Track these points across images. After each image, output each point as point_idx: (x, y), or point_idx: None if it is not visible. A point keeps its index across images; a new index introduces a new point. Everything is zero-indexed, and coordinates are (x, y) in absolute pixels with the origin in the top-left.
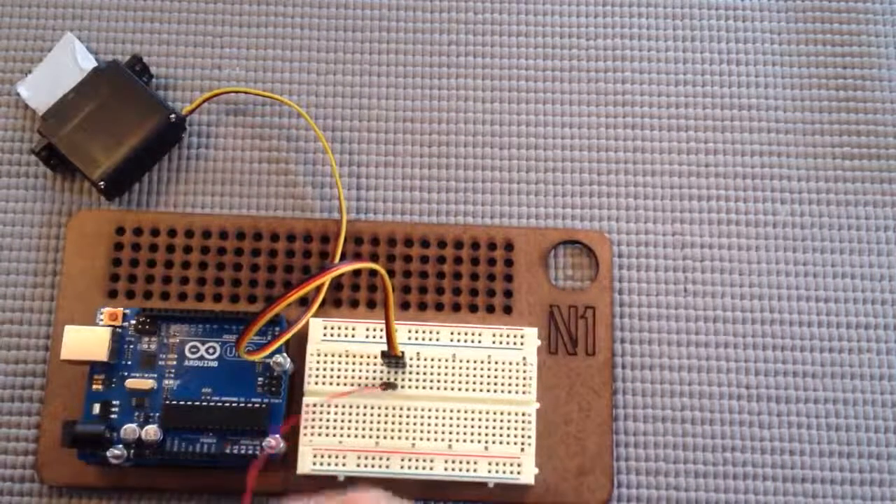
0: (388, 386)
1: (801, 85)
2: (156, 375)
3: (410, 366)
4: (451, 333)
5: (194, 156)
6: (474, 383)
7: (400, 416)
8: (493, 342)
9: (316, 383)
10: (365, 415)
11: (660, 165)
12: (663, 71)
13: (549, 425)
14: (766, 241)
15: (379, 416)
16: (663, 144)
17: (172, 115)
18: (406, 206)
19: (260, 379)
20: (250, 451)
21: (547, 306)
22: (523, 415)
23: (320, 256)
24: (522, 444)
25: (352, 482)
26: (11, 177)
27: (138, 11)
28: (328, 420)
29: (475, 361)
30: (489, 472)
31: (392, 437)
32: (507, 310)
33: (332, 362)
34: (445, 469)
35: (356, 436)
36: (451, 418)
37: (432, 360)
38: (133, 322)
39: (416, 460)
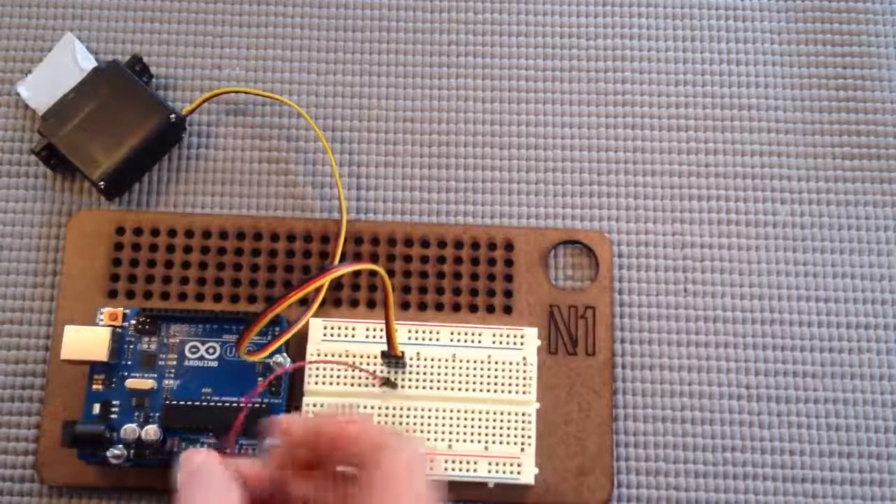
0: (388, 383)
1: (801, 85)
2: (156, 375)
3: (410, 366)
4: (451, 333)
5: (194, 156)
6: (474, 383)
7: (400, 416)
8: (493, 342)
9: (316, 383)
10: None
11: (660, 165)
12: (663, 71)
13: (549, 425)
14: (766, 241)
15: (379, 416)
16: (663, 144)
17: (172, 115)
18: (406, 206)
19: (260, 379)
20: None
21: (547, 306)
22: (523, 415)
23: (320, 256)
24: (522, 444)
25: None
26: (11, 177)
27: (138, 11)
28: None
29: (475, 361)
30: (489, 472)
31: None
32: (507, 310)
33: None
34: (445, 469)
35: None
36: (451, 418)
37: (432, 360)
38: (133, 322)
39: None
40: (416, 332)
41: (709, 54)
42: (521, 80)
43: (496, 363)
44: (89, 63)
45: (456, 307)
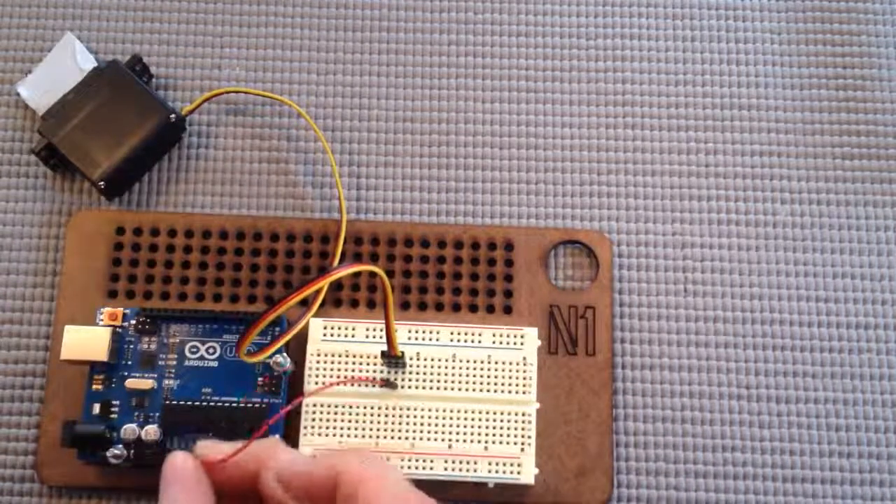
0: (388, 383)
1: (801, 85)
2: (156, 375)
3: (410, 366)
4: (451, 333)
5: (194, 156)
6: (474, 383)
7: (400, 416)
8: (493, 342)
9: (316, 383)
10: (365, 415)
11: (660, 165)
12: (663, 71)
13: (549, 425)
14: (766, 241)
15: (379, 416)
16: (663, 144)
17: (172, 115)
18: (406, 206)
19: (260, 379)
20: None
21: (547, 306)
22: (523, 415)
23: (320, 256)
24: (522, 444)
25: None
26: (11, 177)
27: (138, 11)
28: (328, 420)
29: (475, 361)
30: (489, 472)
31: (392, 437)
32: (507, 310)
33: (332, 362)
34: (445, 469)
35: (356, 436)
36: (451, 418)
37: (432, 360)
38: (133, 322)
39: (416, 460)
40: (416, 332)
41: (709, 54)
42: (521, 80)
43: (496, 363)
44: (89, 63)
45: (456, 307)
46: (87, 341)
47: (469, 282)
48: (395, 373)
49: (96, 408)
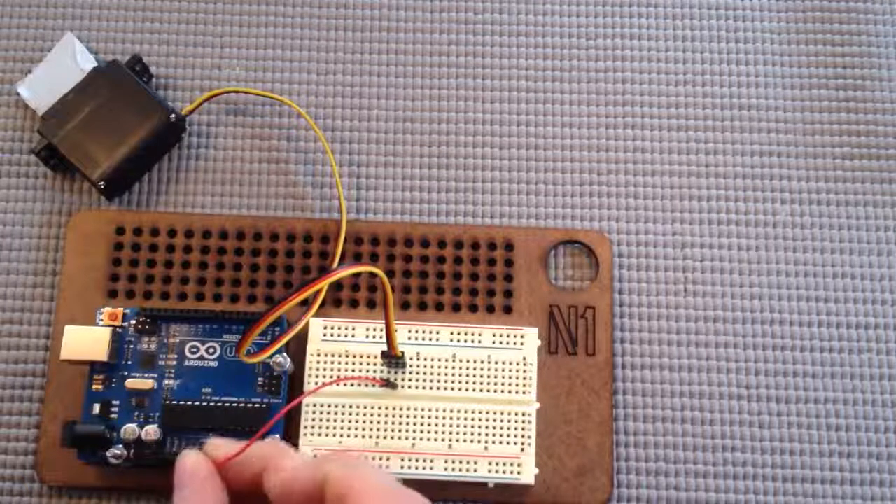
0: (388, 383)
1: (801, 85)
2: (156, 375)
3: (410, 366)
4: (451, 333)
5: (194, 156)
6: (474, 383)
7: (400, 416)
8: (493, 342)
9: (316, 383)
10: (365, 415)
11: (660, 165)
12: (663, 71)
13: (549, 425)
14: (766, 241)
15: (379, 416)
16: (663, 144)
17: (172, 115)
18: (406, 206)
19: (260, 379)
20: None
21: (547, 306)
22: (523, 415)
23: (320, 256)
24: (522, 444)
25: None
26: (11, 177)
27: (138, 11)
28: (328, 420)
29: (475, 361)
30: (489, 472)
31: (392, 437)
32: (507, 310)
33: (332, 362)
34: (445, 469)
35: (356, 436)
36: (451, 418)
37: (432, 360)
38: (133, 322)
39: (416, 460)
40: (416, 332)
41: (709, 54)
42: (521, 80)
43: (496, 363)
44: (89, 63)
45: (456, 307)
46: (87, 341)
47: (469, 282)
48: (395, 373)
49: (96, 408)
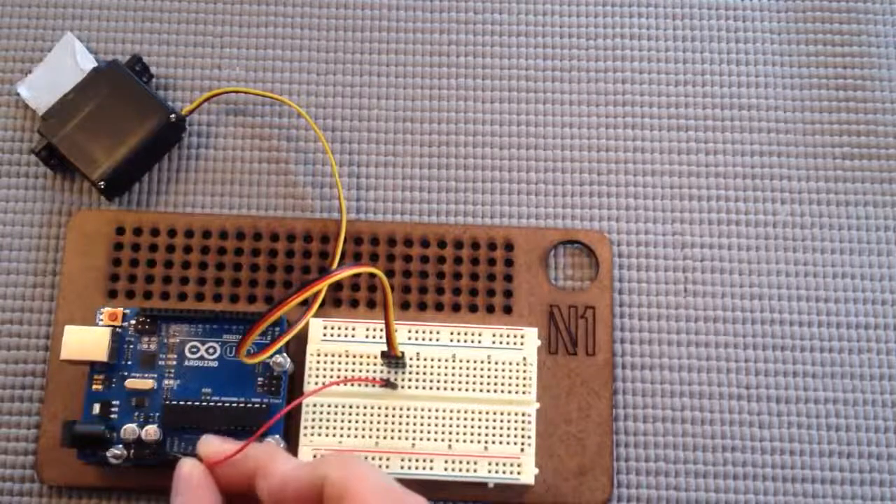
0: (388, 383)
1: (801, 85)
2: (156, 375)
3: (410, 366)
4: (451, 333)
5: (194, 156)
6: (474, 383)
7: (400, 416)
8: (493, 342)
9: (316, 383)
10: (365, 415)
11: (660, 165)
12: (663, 71)
13: (549, 425)
14: (766, 241)
15: (379, 416)
16: (663, 144)
17: (172, 115)
18: (406, 206)
19: (260, 379)
20: None
21: (547, 306)
22: (523, 415)
23: (320, 256)
24: (522, 444)
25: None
26: (11, 177)
27: (138, 11)
28: (328, 420)
29: (475, 361)
30: (489, 472)
31: (392, 437)
32: (507, 310)
33: (332, 362)
34: (445, 469)
35: (356, 436)
36: (451, 418)
37: (432, 360)
38: (133, 322)
39: (416, 460)
40: (416, 332)
41: (709, 54)
42: (521, 80)
43: (496, 363)
44: (89, 63)
45: (456, 307)
46: (86, 341)
47: (469, 282)
48: (395, 373)
49: (96, 408)
